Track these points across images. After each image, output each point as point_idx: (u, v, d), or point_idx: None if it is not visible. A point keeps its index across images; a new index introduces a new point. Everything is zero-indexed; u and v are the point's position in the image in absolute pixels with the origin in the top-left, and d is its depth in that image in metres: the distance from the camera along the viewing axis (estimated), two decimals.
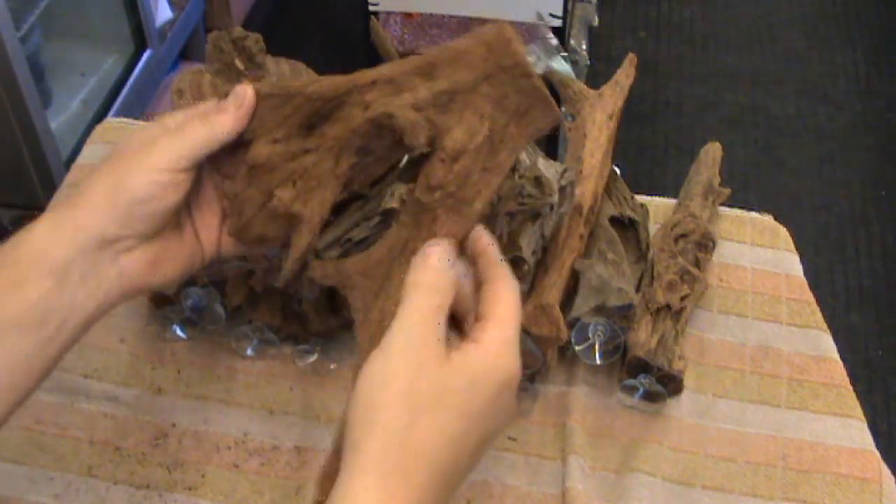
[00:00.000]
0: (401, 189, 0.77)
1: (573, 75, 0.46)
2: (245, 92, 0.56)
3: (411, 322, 0.48)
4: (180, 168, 0.55)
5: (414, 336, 0.48)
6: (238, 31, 0.81)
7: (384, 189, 0.81)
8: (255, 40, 0.80)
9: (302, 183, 0.56)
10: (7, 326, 0.53)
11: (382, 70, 0.53)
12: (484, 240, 0.53)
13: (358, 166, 0.56)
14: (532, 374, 0.81)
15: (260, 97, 0.56)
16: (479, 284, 0.52)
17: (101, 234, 0.54)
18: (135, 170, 0.55)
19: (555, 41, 0.43)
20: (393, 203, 0.76)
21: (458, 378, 0.47)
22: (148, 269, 0.58)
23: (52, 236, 0.54)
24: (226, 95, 0.57)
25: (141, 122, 1.07)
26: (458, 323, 0.52)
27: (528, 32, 1.88)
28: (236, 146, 0.58)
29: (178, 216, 0.59)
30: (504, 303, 0.51)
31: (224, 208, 0.60)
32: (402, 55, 0.67)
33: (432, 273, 0.50)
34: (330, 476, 0.50)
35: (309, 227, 0.58)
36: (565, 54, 0.43)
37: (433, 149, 0.52)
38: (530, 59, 0.51)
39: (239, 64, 0.80)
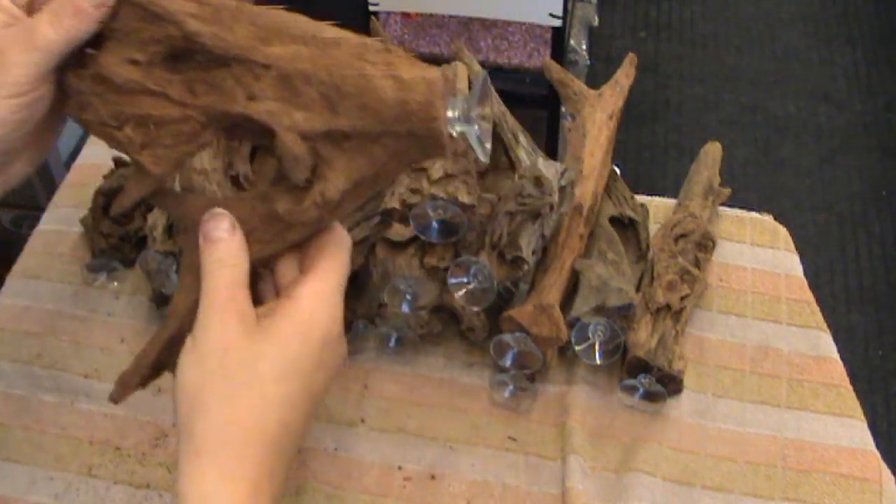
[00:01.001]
0: (401, 189, 0.77)
1: (480, 140, 0.42)
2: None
3: (210, 306, 0.47)
4: (35, 88, 0.48)
5: (217, 316, 0.47)
6: None
7: (384, 189, 0.82)
8: None
9: (157, 132, 0.49)
10: None
11: (284, 54, 0.45)
12: None
13: (223, 144, 0.53)
14: (532, 374, 0.81)
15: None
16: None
17: None
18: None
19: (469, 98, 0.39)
20: (393, 203, 0.76)
21: (268, 343, 0.47)
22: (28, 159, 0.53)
23: None
24: None
25: None
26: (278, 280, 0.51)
27: (528, 33, 1.88)
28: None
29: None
30: (328, 256, 0.49)
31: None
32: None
33: (218, 248, 0.48)
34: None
35: (150, 184, 0.50)
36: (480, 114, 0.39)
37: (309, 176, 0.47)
38: (451, 113, 0.45)
39: None
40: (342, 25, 0.50)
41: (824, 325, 0.89)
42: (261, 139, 0.48)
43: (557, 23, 1.72)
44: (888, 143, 2.34)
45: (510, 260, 0.78)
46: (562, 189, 0.80)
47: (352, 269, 0.78)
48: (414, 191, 0.75)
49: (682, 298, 0.84)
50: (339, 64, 0.44)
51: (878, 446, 0.80)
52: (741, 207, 1.01)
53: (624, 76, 0.97)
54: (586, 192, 0.85)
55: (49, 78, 0.49)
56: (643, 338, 0.80)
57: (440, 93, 0.43)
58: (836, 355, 0.87)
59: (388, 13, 2.05)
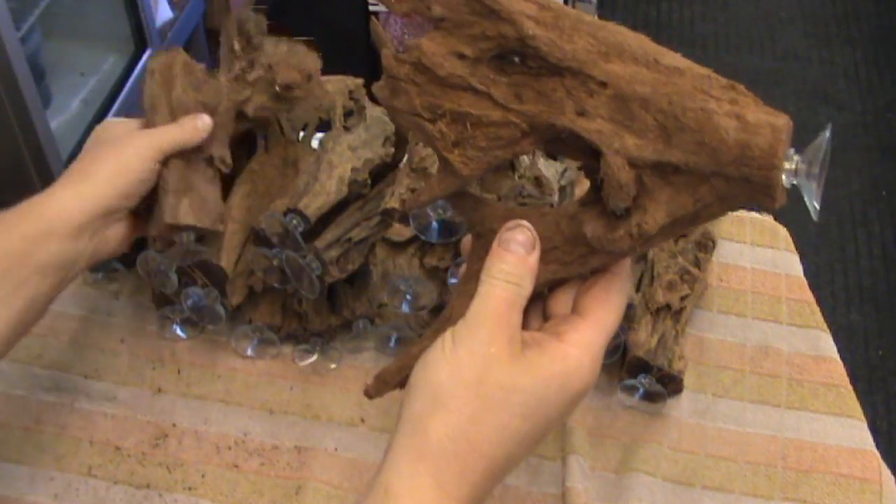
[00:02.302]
0: (401, 189, 0.77)
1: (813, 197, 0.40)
2: (204, 120, 0.73)
3: (484, 314, 0.46)
4: (161, 158, 0.70)
5: (486, 330, 0.45)
6: (245, 12, 0.81)
7: (384, 189, 0.82)
8: (255, 22, 0.80)
9: (473, 132, 0.47)
10: (34, 270, 0.63)
11: (623, 73, 0.43)
12: None
13: (536, 152, 0.49)
14: None
15: None
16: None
17: (108, 204, 0.67)
18: (132, 155, 0.69)
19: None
20: (393, 203, 0.76)
21: (529, 377, 0.45)
22: (124, 236, 0.71)
23: (73, 201, 0.66)
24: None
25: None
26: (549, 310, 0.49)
27: None
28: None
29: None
30: (608, 305, 0.47)
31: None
32: None
33: (509, 260, 0.46)
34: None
35: (453, 184, 0.48)
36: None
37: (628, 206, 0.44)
38: (787, 165, 0.41)
39: (236, 45, 0.80)
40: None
41: (824, 325, 0.89)
42: (582, 157, 0.46)
43: None
44: (888, 143, 2.34)
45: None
46: (562, 189, 0.80)
47: (352, 269, 0.79)
48: (414, 191, 0.75)
49: (682, 298, 0.84)
50: (682, 94, 0.42)
51: (878, 446, 0.80)
52: (741, 207, 1.01)
53: None
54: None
55: (157, 162, 0.70)
56: (643, 338, 0.80)
57: (784, 141, 0.40)
58: (836, 355, 0.87)
59: (389, 13, 2.05)
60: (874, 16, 2.68)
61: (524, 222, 0.47)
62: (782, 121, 0.40)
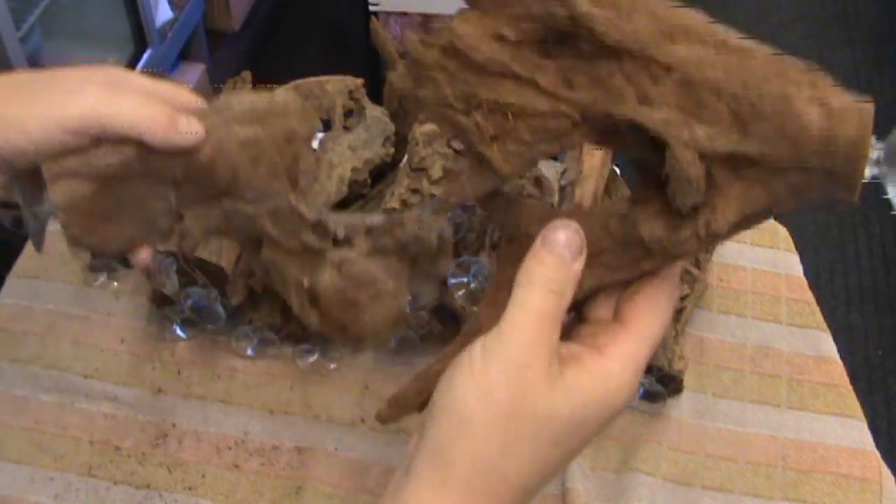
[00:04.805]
0: (401, 189, 0.77)
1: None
2: (196, 137, 0.49)
3: (520, 329, 0.40)
4: (88, 134, 0.48)
5: (522, 347, 0.40)
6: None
7: (384, 189, 0.82)
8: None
9: (515, 123, 0.41)
10: None
11: (690, 56, 0.38)
12: None
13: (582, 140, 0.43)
14: None
15: None
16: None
17: None
18: (38, 115, 0.47)
19: None
20: (393, 203, 0.76)
21: (566, 402, 0.40)
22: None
23: None
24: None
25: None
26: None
27: None
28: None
29: None
30: (654, 314, 0.42)
31: None
32: (403, 56, 0.64)
33: (552, 265, 0.41)
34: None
35: (490, 183, 0.43)
36: None
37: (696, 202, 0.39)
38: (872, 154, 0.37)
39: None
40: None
41: (824, 325, 0.89)
42: (638, 150, 0.41)
43: None
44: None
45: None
46: (562, 189, 0.80)
47: None
48: (414, 191, 0.75)
49: (682, 298, 0.84)
50: (758, 78, 0.37)
51: (878, 446, 0.80)
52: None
53: None
54: (586, 192, 0.85)
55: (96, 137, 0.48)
56: None
57: (871, 129, 0.37)
58: (836, 355, 0.87)
59: (388, 13, 2.05)
60: (874, 16, 2.68)
61: (572, 222, 0.41)
62: (869, 107, 0.36)
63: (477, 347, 0.41)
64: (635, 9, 0.38)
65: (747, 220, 0.39)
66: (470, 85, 0.41)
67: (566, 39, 0.39)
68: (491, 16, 0.40)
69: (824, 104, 0.37)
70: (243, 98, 0.53)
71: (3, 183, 0.51)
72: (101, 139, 0.48)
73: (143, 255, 0.55)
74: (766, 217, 0.40)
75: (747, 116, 0.37)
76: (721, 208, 0.38)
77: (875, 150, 0.38)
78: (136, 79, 0.49)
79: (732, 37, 0.39)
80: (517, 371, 0.40)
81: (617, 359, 0.41)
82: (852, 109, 0.37)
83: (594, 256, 0.42)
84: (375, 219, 0.51)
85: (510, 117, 0.41)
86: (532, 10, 0.39)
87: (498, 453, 0.40)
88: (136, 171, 0.51)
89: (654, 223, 0.40)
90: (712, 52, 0.38)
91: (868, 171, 0.38)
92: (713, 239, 0.39)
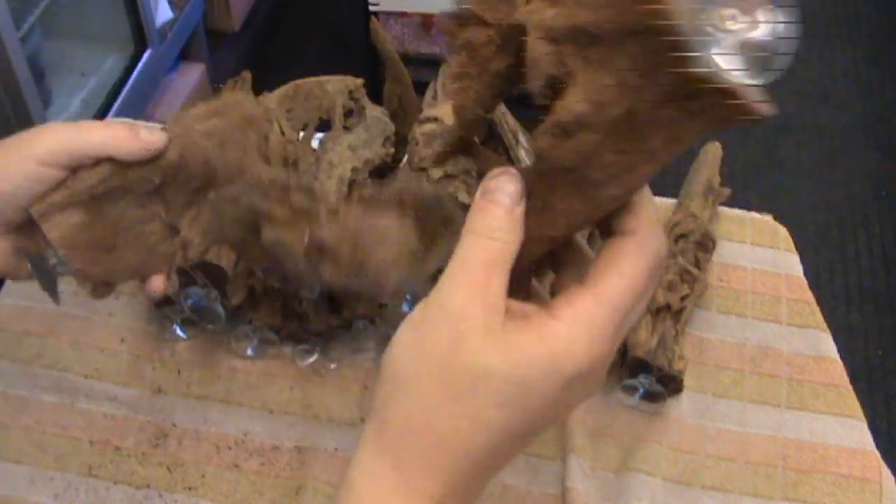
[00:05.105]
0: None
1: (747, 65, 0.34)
2: (160, 140, 0.53)
3: (458, 280, 0.38)
4: (62, 163, 0.52)
5: (458, 297, 0.38)
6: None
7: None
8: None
9: (470, 58, 0.44)
10: None
11: None
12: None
13: (512, 72, 0.43)
14: None
15: None
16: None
17: None
18: (14, 159, 0.52)
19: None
20: None
21: (504, 359, 0.37)
22: (11, 258, 0.55)
23: None
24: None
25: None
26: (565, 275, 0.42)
27: None
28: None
29: None
30: (617, 274, 0.38)
31: None
32: (403, 56, 0.65)
33: (490, 212, 0.39)
34: None
35: (459, 124, 0.46)
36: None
37: (552, 96, 0.38)
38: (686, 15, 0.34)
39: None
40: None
41: (824, 325, 0.89)
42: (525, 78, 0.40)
43: None
44: (888, 144, 2.34)
45: None
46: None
47: None
48: None
49: (682, 298, 0.84)
50: None
51: (878, 446, 0.81)
52: (741, 207, 1.01)
53: None
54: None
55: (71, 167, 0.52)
56: (643, 338, 0.80)
57: None
58: (836, 355, 0.87)
59: (388, 13, 2.05)
60: (874, 16, 2.68)
61: (511, 169, 0.40)
62: None
63: (419, 305, 0.39)
64: None
65: (613, 127, 0.37)
66: (454, 39, 0.43)
67: None
68: None
69: None
70: (198, 104, 0.56)
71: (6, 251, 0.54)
72: (76, 167, 0.52)
73: (157, 284, 0.57)
74: (638, 129, 0.37)
75: None
76: (570, 93, 0.37)
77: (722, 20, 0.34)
78: (93, 121, 0.54)
79: None
80: (452, 322, 0.37)
81: (566, 319, 0.37)
82: None
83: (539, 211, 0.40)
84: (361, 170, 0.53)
85: (466, 53, 0.43)
86: None
87: (431, 411, 0.38)
88: (117, 186, 0.53)
89: (539, 136, 0.39)
90: None
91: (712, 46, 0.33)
92: (565, 132, 0.37)
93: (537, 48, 0.37)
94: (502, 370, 0.37)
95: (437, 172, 0.76)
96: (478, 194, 0.40)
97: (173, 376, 0.82)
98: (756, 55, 0.33)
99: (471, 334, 0.37)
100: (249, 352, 0.84)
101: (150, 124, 0.55)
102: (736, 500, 0.76)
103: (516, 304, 0.39)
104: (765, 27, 0.33)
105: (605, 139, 0.37)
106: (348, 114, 0.87)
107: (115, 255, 0.55)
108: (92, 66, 1.96)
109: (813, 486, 0.77)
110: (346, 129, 0.85)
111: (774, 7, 0.33)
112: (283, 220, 0.52)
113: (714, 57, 0.33)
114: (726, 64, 0.33)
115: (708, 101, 0.35)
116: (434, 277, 0.77)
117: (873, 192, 2.21)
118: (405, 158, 0.82)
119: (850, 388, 0.84)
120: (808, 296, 0.92)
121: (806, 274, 0.94)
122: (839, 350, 0.88)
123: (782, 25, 0.32)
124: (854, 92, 2.46)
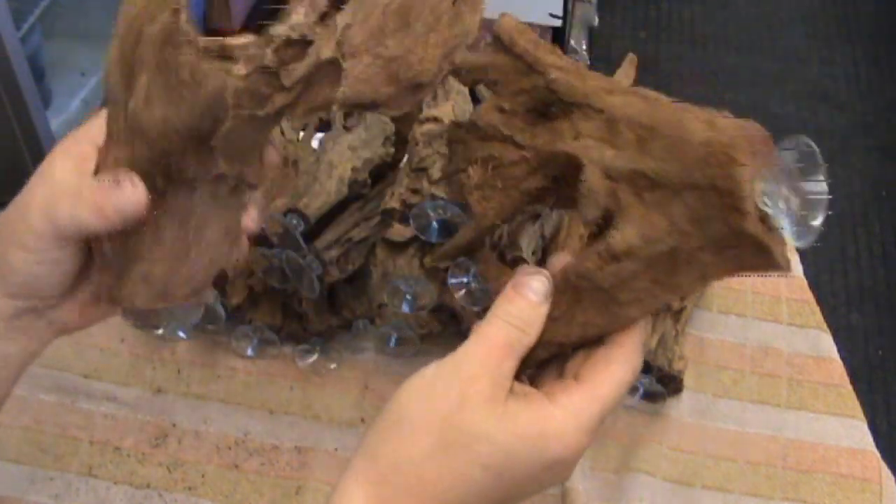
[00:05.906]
0: (401, 189, 0.77)
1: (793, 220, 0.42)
2: (137, 201, 0.46)
3: (477, 352, 0.43)
4: (50, 250, 0.47)
5: (471, 366, 0.43)
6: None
7: (384, 189, 0.82)
8: None
9: (493, 172, 0.49)
10: None
11: (619, 102, 0.44)
12: None
13: (543, 192, 0.48)
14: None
15: (512, 49, 0.48)
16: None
17: (10, 307, 0.49)
18: (14, 247, 0.47)
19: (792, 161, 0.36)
20: (393, 203, 0.76)
21: (500, 429, 0.42)
22: (82, 312, 0.52)
23: None
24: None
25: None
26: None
27: None
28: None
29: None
30: (606, 375, 0.44)
31: None
32: None
33: (516, 302, 0.45)
34: None
35: (475, 230, 0.50)
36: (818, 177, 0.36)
37: (604, 225, 0.44)
38: (761, 186, 0.39)
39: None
40: None
41: (824, 325, 0.89)
42: (571, 184, 0.45)
43: (557, 23, 1.72)
44: (888, 144, 2.34)
45: (510, 260, 0.78)
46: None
47: (352, 269, 0.79)
48: (414, 191, 0.75)
49: (682, 298, 0.84)
50: (663, 111, 0.43)
51: (878, 446, 0.81)
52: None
53: (624, 76, 0.97)
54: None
55: (66, 245, 0.47)
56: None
57: (751, 140, 0.39)
58: (836, 355, 0.87)
59: None
60: (874, 16, 2.68)
61: (543, 271, 0.46)
62: (754, 125, 0.40)
63: (435, 362, 0.44)
64: (593, 77, 0.46)
65: (655, 257, 0.42)
66: (473, 149, 0.49)
67: (547, 107, 0.47)
68: (499, 94, 0.48)
69: (710, 122, 0.41)
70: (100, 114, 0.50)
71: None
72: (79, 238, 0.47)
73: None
74: (678, 269, 0.42)
75: (647, 137, 0.42)
76: (622, 227, 0.42)
77: (765, 181, 0.40)
78: (59, 171, 0.48)
79: (662, 95, 0.45)
80: (462, 385, 0.42)
81: (562, 406, 0.43)
82: (732, 124, 0.40)
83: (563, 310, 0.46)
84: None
85: (490, 168, 0.48)
86: (523, 84, 0.47)
87: (422, 457, 0.42)
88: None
89: (587, 257, 0.44)
90: (639, 100, 0.44)
91: (762, 203, 0.40)
92: (613, 257, 0.43)
93: (593, 179, 0.43)
94: (496, 437, 0.41)
95: (436, 172, 0.76)
96: (509, 285, 0.45)
97: (173, 376, 0.82)
98: (797, 221, 0.41)
99: (476, 398, 0.42)
100: (249, 352, 0.84)
101: (129, 175, 0.47)
102: (736, 500, 0.76)
103: (519, 386, 0.44)
104: (803, 198, 0.40)
105: (644, 269, 0.43)
106: (348, 114, 0.87)
107: (188, 261, 0.51)
108: (92, 67, 1.96)
109: (813, 486, 0.77)
110: (346, 129, 0.85)
111: (808, 181, 0.41)
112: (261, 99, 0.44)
113: (769, 218, 0.39)
114: (776, 224, 0.39)
115: (744, 251, 0.40)
116: (432, 275, 0.78)
117: (873, 192, 2.21)
118: (405, 158, 0.82)
119: (850, 388, 0.85)
120: (809, 296, 0.92)
121: (806, 274, 0.94)
122: (839, 350, 0.88)
123: (816, 196, 0.40)
124: (854, 92, 2.46)
